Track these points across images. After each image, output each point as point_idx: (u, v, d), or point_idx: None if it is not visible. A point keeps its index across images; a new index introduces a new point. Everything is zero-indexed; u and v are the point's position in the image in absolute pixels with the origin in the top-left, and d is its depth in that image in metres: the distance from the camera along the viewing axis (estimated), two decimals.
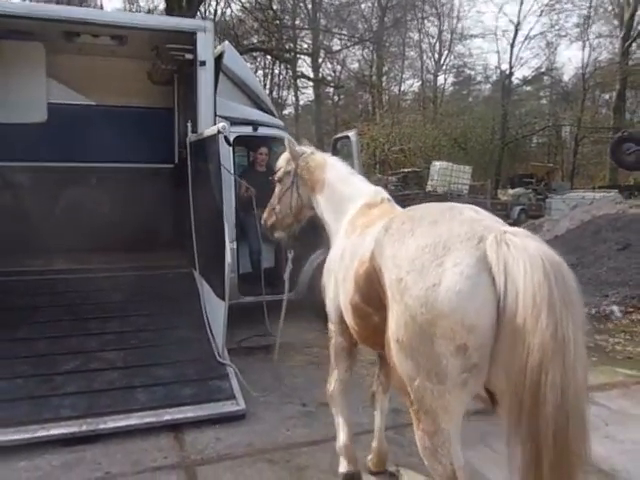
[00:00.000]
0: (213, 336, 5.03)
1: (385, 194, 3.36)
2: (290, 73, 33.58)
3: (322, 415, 4.46)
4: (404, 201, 21.83)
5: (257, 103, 6.97)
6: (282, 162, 3.90)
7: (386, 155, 28.34)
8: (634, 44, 31.52)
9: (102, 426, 3.94)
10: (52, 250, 6.50)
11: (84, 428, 3.90)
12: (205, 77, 5.95)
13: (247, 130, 6.60)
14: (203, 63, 5.92)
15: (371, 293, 2.54)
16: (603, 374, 5.34)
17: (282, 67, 34.31)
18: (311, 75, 32.72)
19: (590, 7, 34.00)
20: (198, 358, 4.81)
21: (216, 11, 27.87)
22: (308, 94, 37.52)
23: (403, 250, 2.23)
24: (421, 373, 2.10)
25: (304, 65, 33.87)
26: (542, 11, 35.40)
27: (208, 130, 5.24)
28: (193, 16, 20.06)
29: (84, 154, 7.09)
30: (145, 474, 3.56)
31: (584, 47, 36.95)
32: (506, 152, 32.54)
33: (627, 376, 5.39)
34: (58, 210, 7.04)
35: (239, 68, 6.74)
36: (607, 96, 38.70)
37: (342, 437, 3.43)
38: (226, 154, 5.48)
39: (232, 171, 5.98)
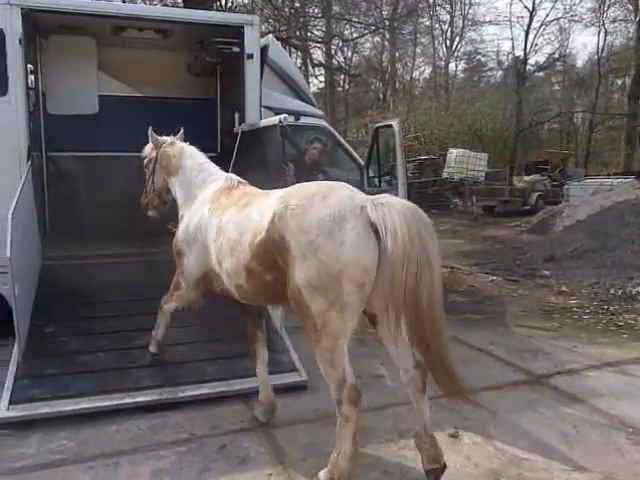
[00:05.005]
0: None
1: (238, 178, 3.95)
2: (301, 60, 33.63)
3: (376, 386, 4.81)
4: (423, 188, 21.96)
5: (298, 94, 7.24)
6: (147, 150, 4.60)
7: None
8: None
9: (181, 394, 4.28)
10: (102, 237, 6.74)
11: (164, 396, 4.24)
12: (252, 70, 6.25)
13: (290, 120, 6.88)
14: (250, 56, 6.21)
15: (267, 257, 3.11)
16: (634, 350, 5.79)
17: (294, 55, 34.35)
18: (324, 62, 32.85)
19: None
20: None
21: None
22: (318, 81, 37.63)
23: (308, 219, 2.89)
24: (330, 306, 2.85)
25: (316, 52, 33.95)
26: None
27: (266, 120, 5.53)
28: (212, 6, 20.34)
29: (132, 144, 7.36)
30: (227, 435, 3.89)
31: (599, 32, 36.73)
32: (520, 139, 32.45)
33: None
34: (108, 198, 7.30)
35: (282, 60, 7.01)
36: (620, 82, 38.59)
37: (160, 332, 4.45)
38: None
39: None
